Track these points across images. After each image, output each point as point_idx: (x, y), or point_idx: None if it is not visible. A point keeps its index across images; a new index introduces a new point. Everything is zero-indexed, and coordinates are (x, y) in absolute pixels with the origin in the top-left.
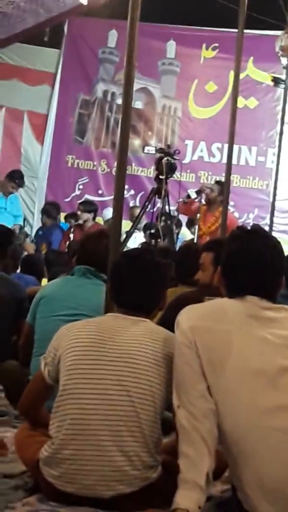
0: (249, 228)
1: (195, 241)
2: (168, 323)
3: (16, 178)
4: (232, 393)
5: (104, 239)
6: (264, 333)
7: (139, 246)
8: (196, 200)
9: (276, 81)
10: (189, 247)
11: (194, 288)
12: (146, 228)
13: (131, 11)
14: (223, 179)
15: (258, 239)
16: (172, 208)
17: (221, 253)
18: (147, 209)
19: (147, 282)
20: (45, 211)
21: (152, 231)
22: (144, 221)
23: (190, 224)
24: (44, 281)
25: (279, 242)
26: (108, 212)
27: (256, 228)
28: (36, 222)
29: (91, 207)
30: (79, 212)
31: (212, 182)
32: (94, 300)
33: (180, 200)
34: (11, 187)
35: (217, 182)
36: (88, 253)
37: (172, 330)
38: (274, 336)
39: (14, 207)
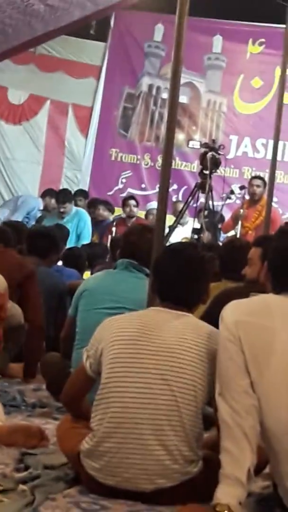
0: None
1: (237, 236)
2: (213, 317)
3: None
4: (275, 390)
5: (147, 233)
6: None
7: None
8: (239, 195)
9: None
10: (233, 242)
11: (237, 283)
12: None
13: (180, 5)
14: (267, 175)
15: None
16: (215, 203)
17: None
18: (190, 204)
19: (190, 276)
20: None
21: (195, 226)
22: (187, 216)
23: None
24: (86, 274)
25: None
26: (152, 206)
27: None
28: None
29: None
30: (134, 209)
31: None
32: (137, 294)
33: (224, 195)
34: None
35: (257, 178)
36: (131, 247)
37: (217, 325)
38: None
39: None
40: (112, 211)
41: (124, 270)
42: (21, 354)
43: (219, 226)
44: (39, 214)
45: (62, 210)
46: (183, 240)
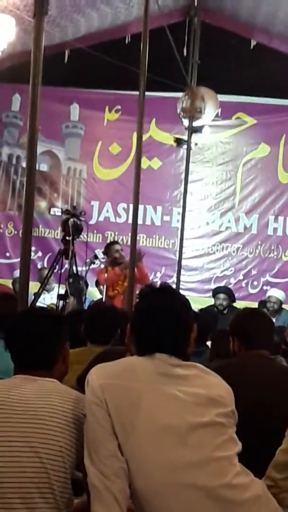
0: (157, 286)
1: (103, 300)
2: None
3: None
4: (142, 451)
5: (11, 300)
6: (174, 391)
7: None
8: (103, 260)
9: (179, 142)
10: (98, 306)
11: (103, 347)
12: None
13: (33, 75)
14: (129, 239)
15: (166, 296)
16: (79, 268)
17: None
18: (55, 270)
19: (40, 338)
20: None
21: (61, 292)
22: (52, 282)
23: (98, 284)
24: None
25: (187, 300)
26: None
27: (164, 286)
28: None
29: None
30: None
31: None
32: (1, 363)
33: (88, 260)
34: None
35: (115, 243)
36: None
37: None
38: (184, 393)
39: None
40: None
41: None
42: None
43: (84, 291)
44: None
45: None
46: (50, 306)
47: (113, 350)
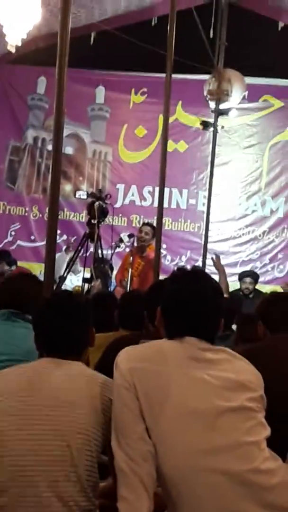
0: (189, 269)
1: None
2: (107, 366)
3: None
4: (170, 435)
5: (27, 279)
6: (203, 375)
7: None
8: (128, 243)
9: (205, 124)
10: (131, 292)
11: (133, 332)
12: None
13: (59, 57)
14: (154, 222)
15: (198, 280)
16: (104, 252)
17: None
18: (80, 254)
19: (70, 323)
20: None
21: (86, 275)
22: (78, 264)
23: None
24: None
25: (218, 284)
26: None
27: (196, 270)
28: None
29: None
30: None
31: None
32: (25, 344)
33: (113, 243)
34: None
35: (147, 224)
36: (10, 296)
37: (110, 374)
38: (213, 377)
39: None
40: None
41: (7, 321)
42: None
43: (110, 274)
44: None
45: None
46: (75, 289)
47: (127, 337)
